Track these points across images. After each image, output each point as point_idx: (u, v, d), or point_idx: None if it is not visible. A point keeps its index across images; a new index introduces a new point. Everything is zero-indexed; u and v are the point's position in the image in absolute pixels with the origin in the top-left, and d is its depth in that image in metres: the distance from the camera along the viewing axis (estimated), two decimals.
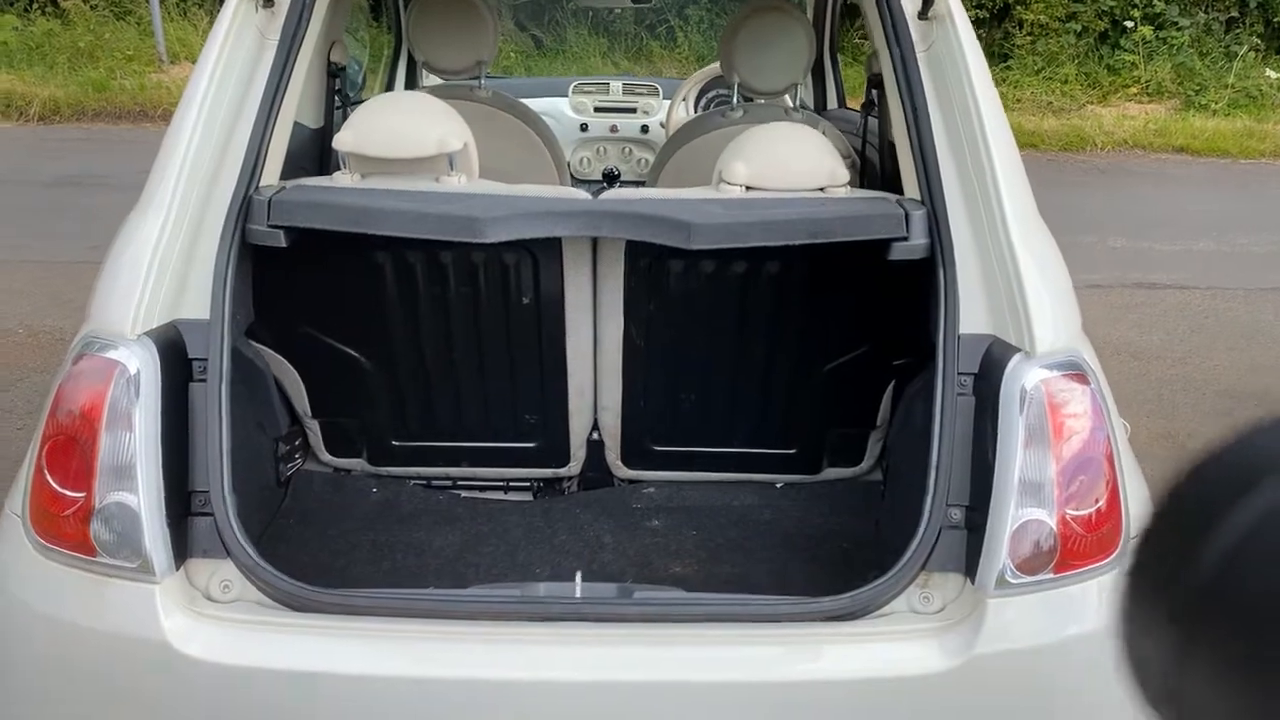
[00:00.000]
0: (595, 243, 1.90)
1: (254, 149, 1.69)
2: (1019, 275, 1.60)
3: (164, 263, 1.60)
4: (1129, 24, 10.64)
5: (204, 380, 1.59)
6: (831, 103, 3.73)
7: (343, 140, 1.80)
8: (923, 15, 1.79)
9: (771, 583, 1.91)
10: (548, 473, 2.28)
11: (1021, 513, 1.48)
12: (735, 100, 2.59)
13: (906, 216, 1.69)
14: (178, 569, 1.50)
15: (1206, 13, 11.03)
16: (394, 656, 1.48)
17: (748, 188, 1.83)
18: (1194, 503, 0.48)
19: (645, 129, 3.75)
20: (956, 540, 1.55)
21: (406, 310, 1.98)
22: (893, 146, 2.32)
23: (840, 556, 2.01)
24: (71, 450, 1.50)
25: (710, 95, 3.82)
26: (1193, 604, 0.46)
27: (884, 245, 1.71)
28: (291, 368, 2.06)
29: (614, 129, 3.75)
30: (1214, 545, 0.45)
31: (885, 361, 2.06)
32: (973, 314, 1.65)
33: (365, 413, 2.16)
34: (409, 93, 2.01)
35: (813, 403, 2.12)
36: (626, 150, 3.77)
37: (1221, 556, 0.45)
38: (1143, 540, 0.49)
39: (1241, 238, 6.41)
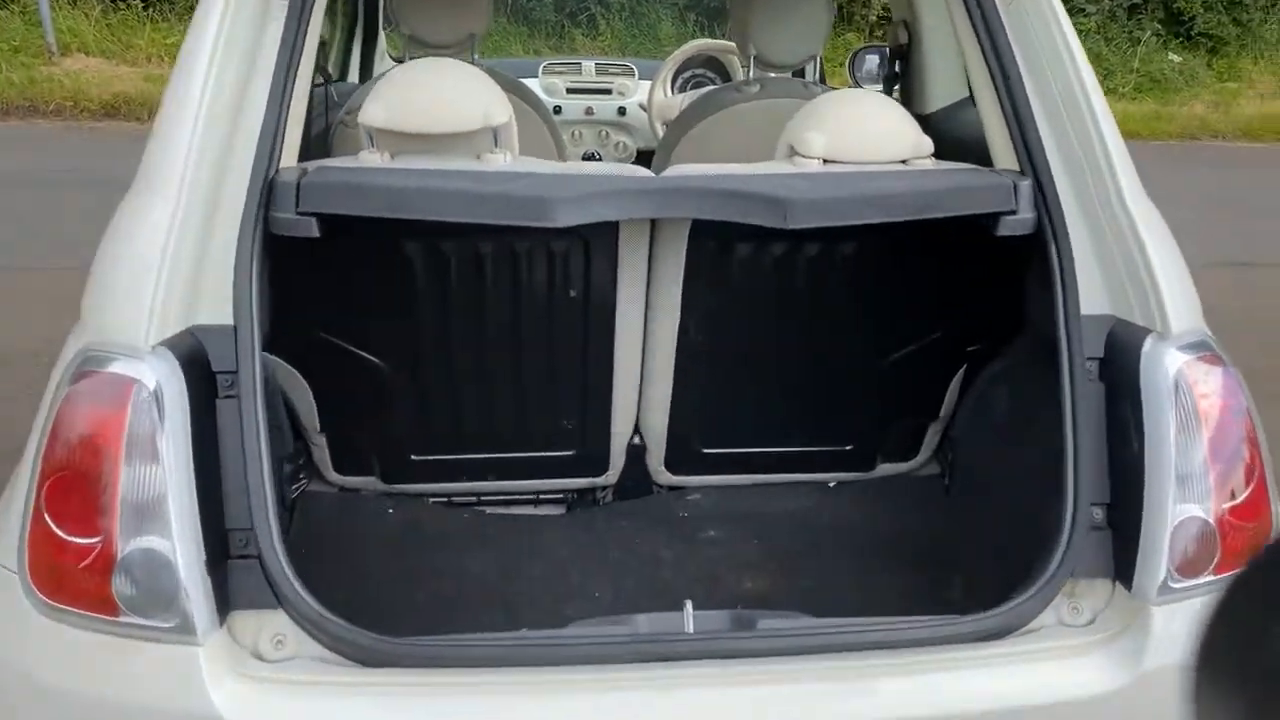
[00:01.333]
0: (654, 226, 1.70)
1: (271, 126, 1.44)
2: (1143, 249, 1.46)
3: (177, 258, 1.34)
4: None
5: (232, 397, 1.34)
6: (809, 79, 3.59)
7: (372, 115, 1.55)
8: None
9: (860, 596, 1.74)
10: (583, 482, 2.07)
11: (1180, 509, 1.34)
12: (750, 73, 2.41)
13: (1015, 188, 1.54)
14: (221, 624, 1.25)
15: None
16: (497, 714, 1.25)
17: (825, 160, 1.65)
18: (1263, 585, 0.48)
19: (623, 111, 3.54)
20: (1102, 543, 1.40)
21: (436, 308, 1.75)
22: (924, 120, 2.18)
23: (918, 561, 1.86)
24: (80, 488, 1.23)
25: (686, 76, 3.64)
26: (1267, 685, 0.46)
27: (986, 220, 1.56)
28: (300, 377, 1.80)
29: (589, 111, 3.53)
30: None
31: (957, 347, 1.92)
32: (1087, 293, 1.51)
33: (382, 425, 1.92)
34: (442, 59, 1.77)
35: (876, 394, 1.96)
36: (603, 133, 3.56)
37: None
38: (1213, 620, 0.49)
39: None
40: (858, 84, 3.30)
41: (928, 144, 1.67)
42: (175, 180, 1.36)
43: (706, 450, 2.04)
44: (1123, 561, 1.38)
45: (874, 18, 10.58)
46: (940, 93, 2.40)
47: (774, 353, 1.90)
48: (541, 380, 1.88)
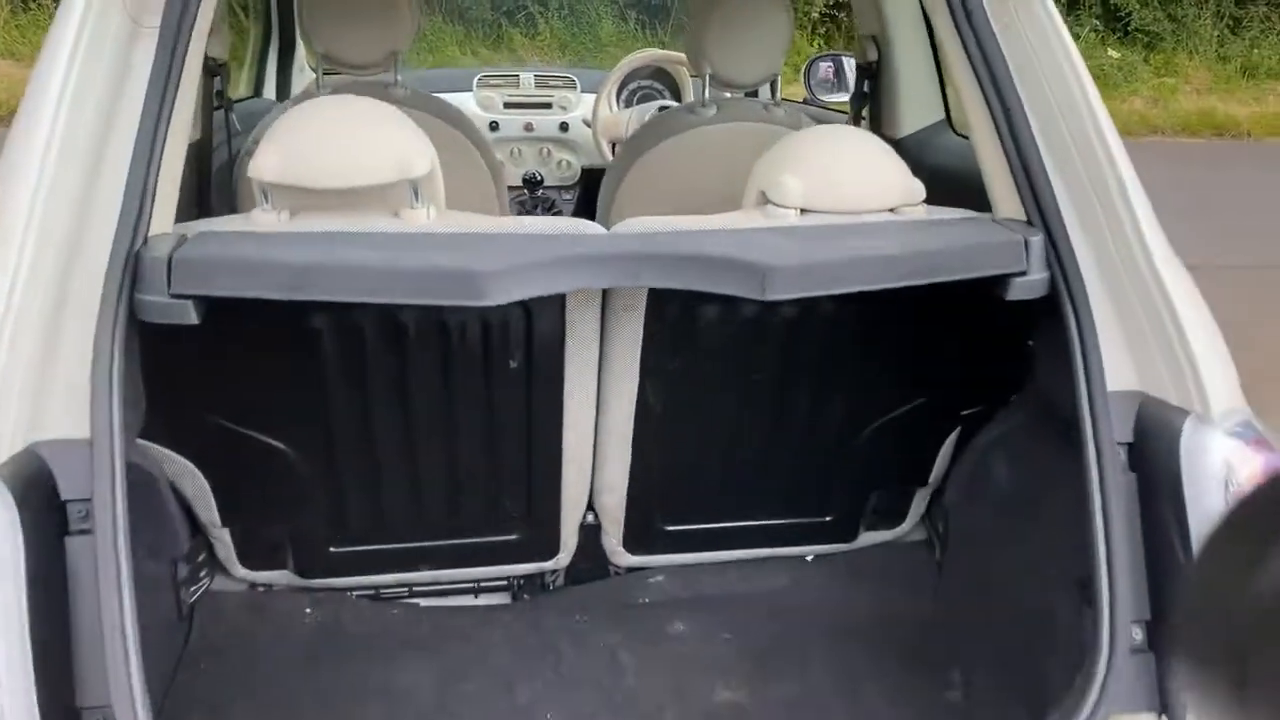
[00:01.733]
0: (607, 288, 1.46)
1: (139, 182, 1.17)
2: (1175, 315, 1.26)
3: (13, 358, 1.07)
4: None
5: (85, 533, 1.07)
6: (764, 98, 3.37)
7: (264, 167, 1.28)
8: None
9: (850, 703, 1.53)
10: (530, 568, 1.82)
11: None
12: (706, 93, 2.17)
13: (1025, 244, 1.33)
14: None
15: None
16: None
17: (803, 210, 1.42)
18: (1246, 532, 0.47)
19: (565, 127, 3.28)
20: (1144, 668, 1.20)
21: (351, 386, 1.49)
22: (896, 144, 1.96)
23: (911, 654, 1.65)
24: None
25: (633, 88, 3.39)
26: (1253, 630, 0.45)
27: (993, 283, 1.35)
28: (195, 469, 1.53)
29: (529, 127, 3.26)
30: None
31: (950, 410, 1.71)
32: (1110, 365, 1.30)
33: (294, 516, 1.65)
34: (347, 97, 1.50)
35: (860, 461, 1.74)
36: (545, 151, 3.29)
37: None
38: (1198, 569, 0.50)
39: None
40: (813, 94, 3.09)
41: (918, 189, 1.45)
42: (11, 257, 1.09)
43: (670, 527, 1.81)
44: (1169, 691, 1.17)
45: (816, 15, 10.43)
46: (913, 115, 2.19)
47: (745, 419, 1.67)
48: (479, 460, 1.63)
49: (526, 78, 3.33)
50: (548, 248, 1.27)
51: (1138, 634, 1.20)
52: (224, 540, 1.66)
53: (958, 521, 1.76)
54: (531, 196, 3.23)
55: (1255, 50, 11.77)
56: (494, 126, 3.24)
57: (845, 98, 3.00)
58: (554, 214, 3.27)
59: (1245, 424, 1.24)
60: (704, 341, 1.54)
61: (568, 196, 3.33)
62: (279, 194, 1.31)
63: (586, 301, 1.46)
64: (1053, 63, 1.37)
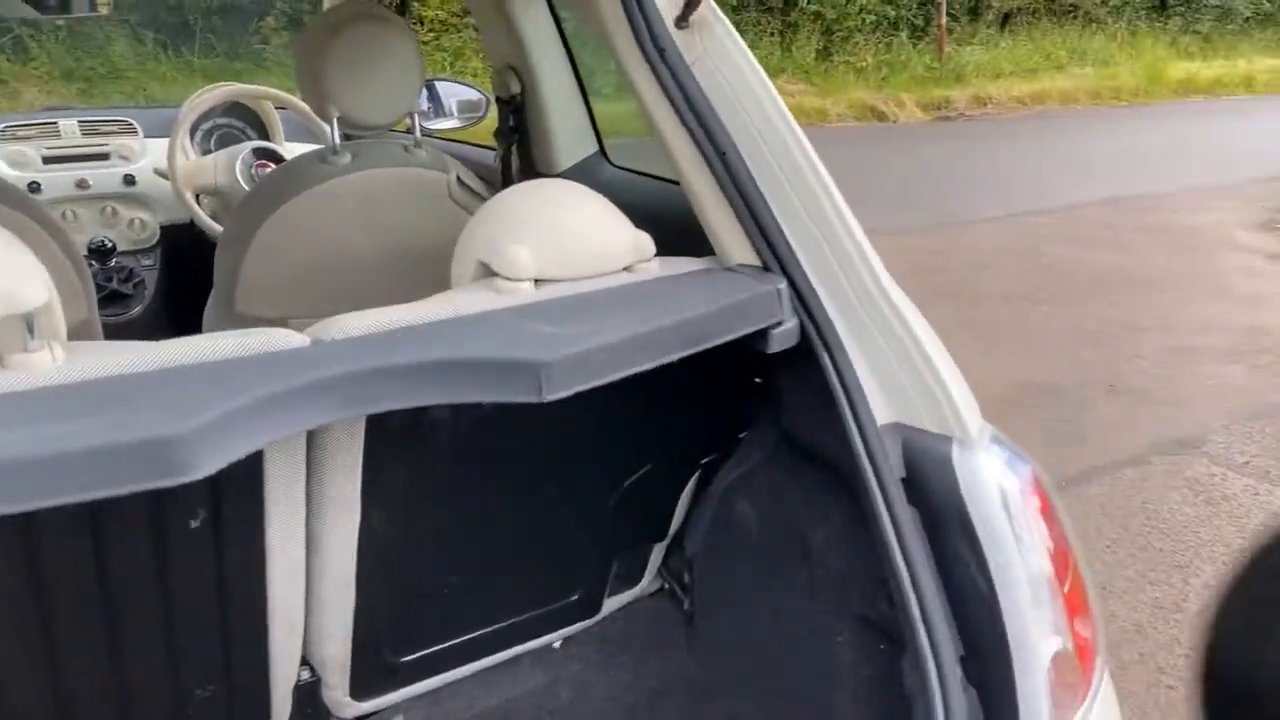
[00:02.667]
0: None
1: None
2: (919, 343, 1.26)
3: None
4: None
5: None
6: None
7: None
8: (682, 22, 1.34)
9: None
10: None
11: (1049, 645, 1.16)
12: (333, 138, 1.87)
13: (779, 293, 1.25)
14: None
15: None
16: None
17: (538, 281, 1.23)
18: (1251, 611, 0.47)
19: (131, 180, 2.71)
20: (972, 707, 1.18)
21: None
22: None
23: (682, 709, 1.55)
24: None
25: (207, 128, 2.93)
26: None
27: (753, 338, 1.26)
28: None
29: (83, 184, 2.66)
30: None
31: (691, 459, 1.62)
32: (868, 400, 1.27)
33: None
34: None
35: (605, 530, 1.60)
36: (109, 211, 2.71)
37: None
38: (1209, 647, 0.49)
39: None
40: (412, 124, 2.87)
41: (647, 243, 1.32)
42: None
43: (403, 659, 1.53)
44: None
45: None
46: (568, 150, 2.07)
47: (483, 519, 1.45)
48: (154, 650, 1.24)
49: (68, 125, 2.73)
50: (246, 381, 0.95)
51: (958, 670, 1.19)
52: None
53: (704, 567, 1.68)
54: (104, 269, 2.65)
55: (753, 51, 13.45)
56: (34, 188, 2.61)
57: (449, 125, 2.82)
58: (137, 285, 2.72)
59: (995, 438, 1.28)
60: (434, 445, 1.29)
61: (149, 262, 2.79)
62: None
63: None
64: (750, 95, 1.31)
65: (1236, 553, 2.95)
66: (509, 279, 1.20)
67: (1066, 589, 1.22)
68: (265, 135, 2.90)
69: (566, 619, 1.69)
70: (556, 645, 1.71)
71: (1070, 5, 16.12)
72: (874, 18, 14.25)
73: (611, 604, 1.76)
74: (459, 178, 1.85)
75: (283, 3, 10.42)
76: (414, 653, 1.53)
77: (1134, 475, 3.53)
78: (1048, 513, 1.25)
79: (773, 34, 13.78)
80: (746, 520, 1.58)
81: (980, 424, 1.28)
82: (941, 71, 13.81)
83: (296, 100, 2.71)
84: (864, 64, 13.84)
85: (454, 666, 1.60)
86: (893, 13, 14.43)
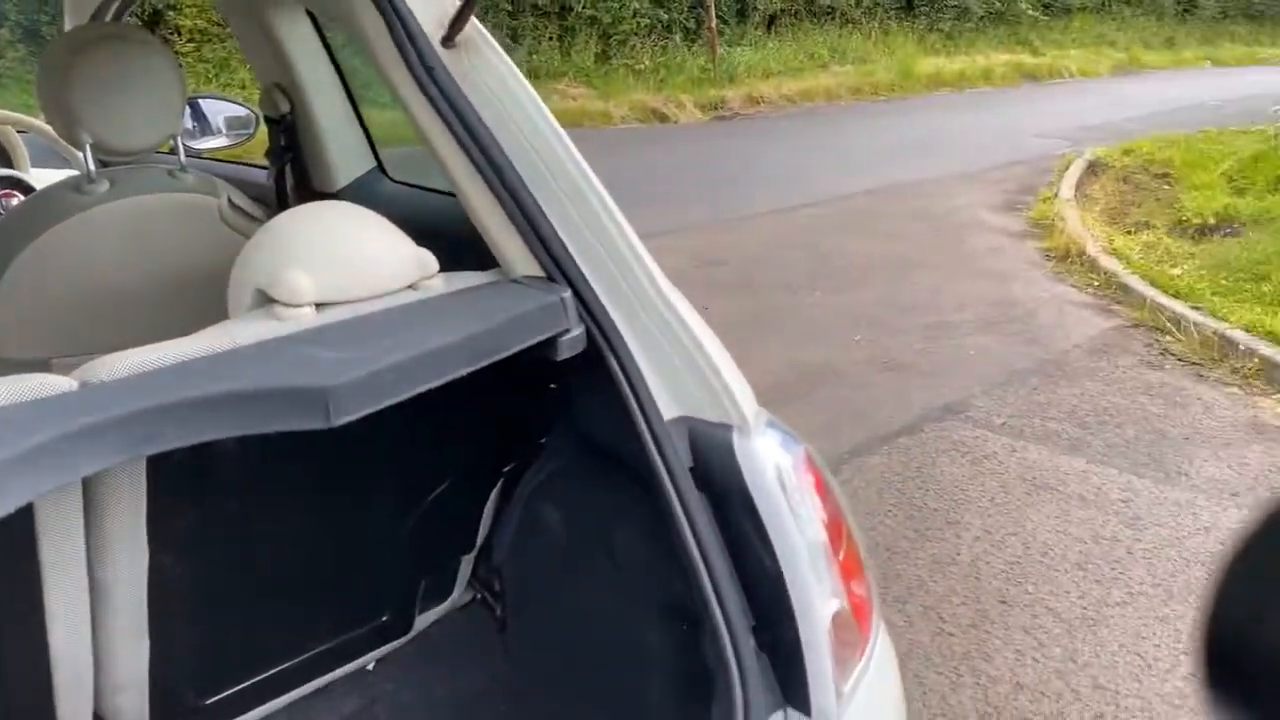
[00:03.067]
0: None
1: None
2: (695, 338, 1.35)
3: None
4: None
5: None
6: None
7: None
8: (448, 42, 1.37)
9: None
10: None
11: (827, 608, 1.27)
12: (88, 165, 1.77)
13: (564, 302, 1.31)
14: None
15: None
16: None
17: (319, 305, 1.23)
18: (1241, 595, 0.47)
19: None
20: (765, 668, 1.27)
21: None
22: (337, 199, 1.83)
23: (505, 715, 1.59)
24: None
25: None
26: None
27: (541, 348, 1.31)
28: None
29: None
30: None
31: (494, 469, 1.64)
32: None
33: None
34: None
35: (410, 548, 1.60)
36: None
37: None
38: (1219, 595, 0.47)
39: None
40: (176, 143, 2.74)
41: (430, 260, 1.34)
42: None
43: (208, 701, 1.48)
44: (795, 687, 1.27)
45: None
46: (346, 166, 2.04)
47: (281, 549, 1.42)
48: None
49: None
50: (6, 433, 0.91)
51: (750, 640, 1.28)
52: None
53: (513, 573, 1.72)
54: None
55: (533, 56, 13.45)
56: None
57: (218, 144, 2.72)
58: None
59: (771, 423, 1.39)
60: (223, 479, 1.27)
61: None
62: None
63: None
64: (521, 111, 1.36)
65: (1003, 506, 3.27)
66: (289, 305, 1.20)
67: (841, 556, 1.34)
68: (8, 162, 2.69)
69: (378, 640, 1.68)
70: (370, 668, 1.70)
71: (828, 7, 17.14)
72: (648, 21, 14.64)
73: (424, 620, 1.76)
74: (230, 200, 1.80)
75: (17, 14, 9.55)
76: (220, 693, 1.48)
77: (908, 443, 3.84)
78: (821, 486, 1.36)
79: (551, 38, 13.89)
80: (551, 523, 1.63)
81: (756, 410, 1.38)
82: (715, 72, 14.36)
83: (41, 124, 2.53)
84: (642, 66, 14.20)
85: (265, 701, 1.56)
86: (665, 16, 14.87)
